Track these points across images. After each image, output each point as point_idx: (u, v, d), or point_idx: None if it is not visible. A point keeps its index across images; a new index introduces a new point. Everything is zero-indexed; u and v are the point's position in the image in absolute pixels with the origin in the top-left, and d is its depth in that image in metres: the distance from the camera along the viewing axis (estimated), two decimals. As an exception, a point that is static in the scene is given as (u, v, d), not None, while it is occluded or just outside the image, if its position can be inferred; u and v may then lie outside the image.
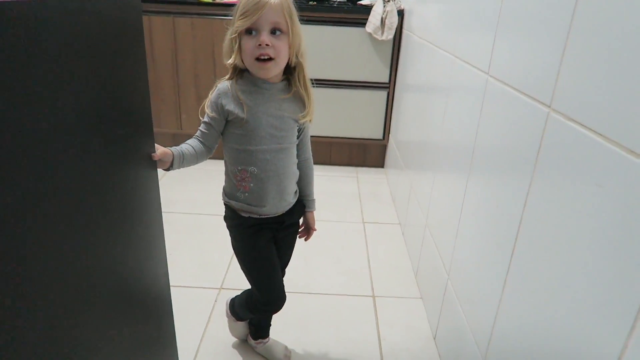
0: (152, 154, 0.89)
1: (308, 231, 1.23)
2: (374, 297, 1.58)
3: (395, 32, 2.31)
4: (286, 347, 1.33)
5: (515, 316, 0.86)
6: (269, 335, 1.31)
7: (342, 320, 1.46)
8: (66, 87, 0.57)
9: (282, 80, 1.03)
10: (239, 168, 1.04)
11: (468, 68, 1.22)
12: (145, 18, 2.39)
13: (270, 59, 0.95)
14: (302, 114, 1.05)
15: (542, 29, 0.82)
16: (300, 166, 1.14)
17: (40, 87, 0.52)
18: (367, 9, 2.35)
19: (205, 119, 1.03)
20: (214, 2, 2.42)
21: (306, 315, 1.48)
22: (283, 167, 1.05)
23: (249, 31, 0.94)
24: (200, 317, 1.44)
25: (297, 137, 1.09)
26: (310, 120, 1.10)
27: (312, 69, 2.25)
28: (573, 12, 0.71)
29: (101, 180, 0.68)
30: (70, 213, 0.59)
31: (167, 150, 0.95)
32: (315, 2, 2.52)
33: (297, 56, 1.00)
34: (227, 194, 1.12)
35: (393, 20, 2.28)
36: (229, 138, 1.04)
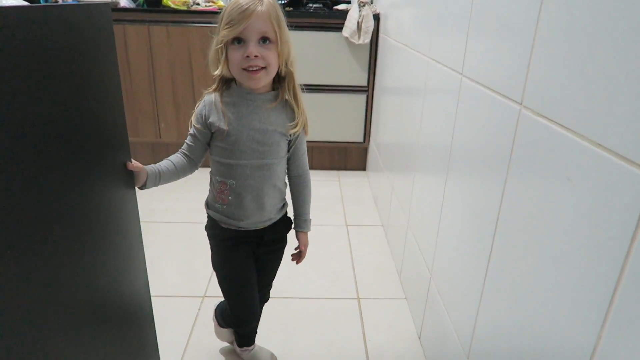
0: (127, 162, 0.88)
1: (299, 254, 1.15)
2: (358, 299, 1.58)
3: (372, 36, 2.33)
4: (272, 354, 1.32)
5: (495, 314, 0.87)
6: (254, 342, 1.30)
7: (327, 323, 1.46)
8: (34, 96, 0.56)
9: (270, 91, 1.00)
10: (219, 180, 1.02)
11: (442, 69, 1.24)
12: (119, 27, 2.37)
13: (261, 68, 0.92)
14: (292, 124, 1.00)
15: (510, 28, 0.83)
16: (292, 183, 1.10)
17: (5, 97, 0.51)
18: (343, 13, 2.37)
19: (191, 131, 1.01)
20: (189, 9, 2.41)
21: (291, 320, 1.47)
22: (262, 182, 1.01)
23: (236, 40, 0.90)
24: (183, 327, 1.42)
25: (288, 151, 1.04)
26: (306, 133, 1.06)
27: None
28: (539, 10, 0.73)
29: (76, 191, 0.67)
30: (45, 225, 0.58)
31: (142, 167, 0.92)
32: (291, 8, 2.53)
33: (286, 65, 0.97)
34: (209, 203, 1.10)
35: (369, 24, 2.30)
36: (212, 150, 1.02)
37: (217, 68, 0.95)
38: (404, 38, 1.78)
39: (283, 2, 2.63)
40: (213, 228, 1.09)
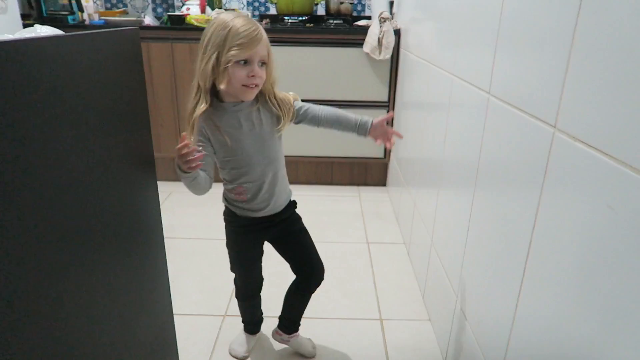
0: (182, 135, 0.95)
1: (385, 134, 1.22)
2: (381, 320, 1.55)
3: (393, 51, 2.32)
4: (313, 343, 1.42)
5: (529, 338, 0.84)
6: (298, 330, 1.39)
7: (350, 345, 1.43)
8: (67, 121, 0.57)
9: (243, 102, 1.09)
10: (235, 185, 1.14)
11: (468, 87, 1.22)
12: (144, 45, 2.41)
13: (256, 85, 1.05)
14: (278, 111, 1.12)
15: (543, 46, 0.81)
16: (326, 120, 1.21)
17: (43, 123, 0.51)
18: (364, 29, 2.37)
19: (200, 150, 1.05)
20: (212, 27, 2.44)
21: (312, 340, 1.44)
22: (273, 175, 1.15)
23: (242, 61, 1.01)
24: (205, 346, 1.41)
25: (297, 121, 1.19)
26: (297, 99, 1.18)
27: (311, 90, 2.28)
28: (574, 28, 0.71)
29: (103, 211, 0.67)
30: (76, 242, 0.58)
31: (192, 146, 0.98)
32: (312, 24, 2.55)
33: (271, 85, 1.11)
34: (227, 199, 1.22)
35: (390, 40, 2.29)
36: (221, 163, 1.14)
37: (208, 81, 1.03)
38: (426, 54, 1.76)
39: (304, 18, 2.65)
40: (230, 215, 1.23)
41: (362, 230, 2.17)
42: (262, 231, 1.23)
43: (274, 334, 1.40)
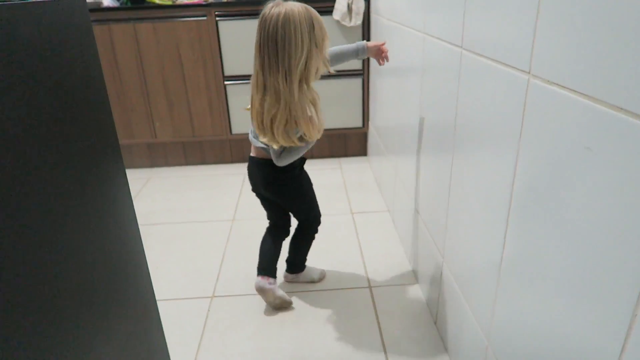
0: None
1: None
2: (370, 287, 1.55)
3: (364, 17, 2.27)
4: (321, 270, 1.60)
5: (514, 296, 0.84)
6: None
7: (341, 314, 1.43)
8: (7, 101, 0.52)
9: None
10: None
11: (440, 44, 1.19)
12: (104, 27, 2.31)
13: None
14: None
15: (513, -7, 0.78)
16: (333, 57, 1.39)
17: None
18: (333, -5, 2.31)
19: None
20: (175, 4, 2.34)
21: (303, 313, 1.44)
22: None
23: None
24: (194, 330, 1.40)
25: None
26: None
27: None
28: (544, -29, 0.68)
29: (62, 201, 0.63)
30: (30, 239, 0.54)
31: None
32: (279, -6, 2.46)
33: None
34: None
35: (360, 5, 2.23)
36: None
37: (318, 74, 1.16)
38: (397, 16, 1.72)
39: (270, -11, 2.56)
40: (297, 166, 1.34)
41: (346, 201, 2.15)
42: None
43: (286, 278, 1.59)
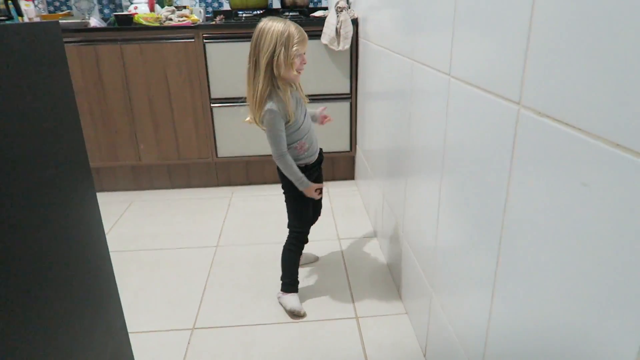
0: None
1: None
2: (357, 318, 1.50)
3: (352, 41, 2.27)
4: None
5: (507, 325, 0.80)
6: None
7: (327, 346, 1.37)
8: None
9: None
10: (297, 142, 1.46)
11: (428, 71, 1.17)
12: (90, 48, 2.28)
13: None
14: (302, 95, 1.50)
15: (501, 23, 0.77)
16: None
17: None
18: (321, 20, 2.31)
19: (280, 133, 1.40)
20: (162, 25, 2.33)
21: (288, 346, 1.38)
22: (312, 129, 1.53)
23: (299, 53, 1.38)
24: (172, 363, 1.33)
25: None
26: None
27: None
28: (533, 2, 0.66)
29: (27, 227, 0.59)
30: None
31: (310, 186, 1.48)
32: (267, 18, 2.47)
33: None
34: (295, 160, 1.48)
35: (348, 30, 2.24)
36: (288, 129, 1.44)
37: (282, 69, 1.35)
38: (385, 41, 1.72)
39: (259, 12, 2.57)
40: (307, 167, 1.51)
41: (333, 226, 2.11)
42: (313, 174, 1.52)
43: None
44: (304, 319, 1.50)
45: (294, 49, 1.35)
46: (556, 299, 0.64)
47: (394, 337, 1.40)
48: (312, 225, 1.64)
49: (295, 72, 1.39)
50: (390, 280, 1.68)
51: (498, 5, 0.78)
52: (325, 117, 1.66)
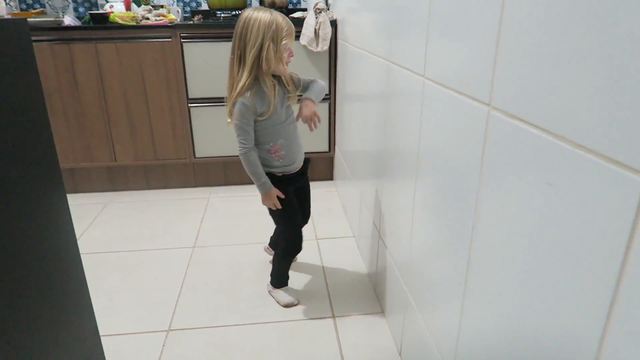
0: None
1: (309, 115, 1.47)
2: (334, 317, 1.50)
3: (330, 43, 2.28)
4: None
5: (478, 325, 0.81)
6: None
7: (303, 347, 1.37)
8: None
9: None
10: (271, 145, 1.39)
11: (404, 72, 1.19)
12: (64, 47, 2.24)
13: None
14: (290, 94, 1.41)
15: (472, 26, 0.79)
16: (305, 87, 1.49)
17: None
18: (300, 21, 2.32)
19: (245, 127, 1.33)
20: (138, 24, 2.30)
21: (264, 346, 1.38)
22: (295, 134, 1.43)
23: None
24: (147, 366, 1.31)
25: (300, 95, 1.45)
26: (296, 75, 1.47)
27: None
28: (502, 6, 0.68)
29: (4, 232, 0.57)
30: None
31: (271, 191, 1.39)
32: (246, 18, 2.46)
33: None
34: (265, 165, 1.42)
35: (327, 31, 2.25)
36: (261, 128, 1.37)
37: (271, 64, 1.30)
38: (363, 43, 1.73)
39: (238, 12, 2.56)
40: (273, 182, 1.42)
41: (311, 226, 2.12)
42: (291, 185, 1.45)
43: (266, 249, 1.78)
44: (281, 319, 1.49)
45: (283, 42, 1.28)
46: (523, 298, 0.65)
47: (370, 337, 1.41)
48: (302, 228, 1.57)
49: (284, 66, 1.33)
50: (367, 281, 1.69)
51: (470, 9, 0.79)
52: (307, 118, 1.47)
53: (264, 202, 1.41)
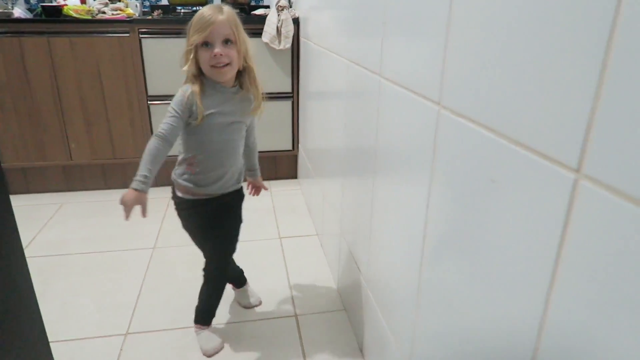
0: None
1: (259, 188, 1.49)
2: (296, 316, 1.50)
3: (293, 40, 2.28)
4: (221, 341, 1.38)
5: (432, 319, 0.83)
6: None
7: (265, 346, 1.37)
8: None
9: (235, 85, 1.20)
10: (191, 154, 1.21)
11: (362, 71, 1.20)
12: (14, 40, 2.14)
13: (226, 64, 1.12)
14: (252, 108, 1.23)
15: (422, 26, 0.80)
16: (247, 149, 1.37)
17: None
18: (262, 18, 2.30)
19: (174, 115, 1.12)
20: (94, 18, 2.22)
21: (226, 347, 1.36)
22: (227, 154, 1.22)
23: (204, 44, 1.11)
24: (103, 371, 1.27)
25: (247, 129, 1.29)
26: (261, 112, 1.27)
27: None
28: (450, 8, 0.70)
29: None
30: None
31: (145, 201, 1.10)
32: (207, 14, 2.42)
33: (245, 60, 1.18)
34: (184, 181, 1.24)
35: (289, 29, 2.24)
36: (187, 133, 1.18)
37: (185, 66, 1.15)
38: (324, 41, 1.74)
39: (199, 8, 2.51)
40: (185, 201, 1.25)
41: (274, 225, 2.11)
42: (208, 211, 1.26)
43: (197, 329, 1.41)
44: (243, 319, 1.48)
45: (193, 38, 1.10)
46: (471, 293, 0.67)
47: (333, 334, 1.42)
48: (232, 255, 1.37)
49: (209, 67, 1.12)
50: (330, 279, 1.70)
51: (422, 12, 0.81)
52: (254, 188, 1.47)
53: (124, 199, 1.07)
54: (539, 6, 0.50)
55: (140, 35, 2.21)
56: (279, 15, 2.23)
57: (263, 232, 2.03)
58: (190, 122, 1.15)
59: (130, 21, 2.21)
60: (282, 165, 2.64)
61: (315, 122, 2.01)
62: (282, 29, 2.23)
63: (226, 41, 1.12)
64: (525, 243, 0.54)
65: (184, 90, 1.14)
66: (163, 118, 1.13)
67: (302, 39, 2.28)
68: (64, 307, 1.54)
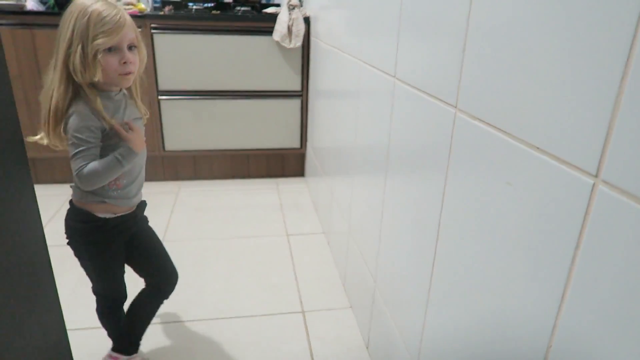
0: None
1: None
2: (303, 312, 1.52)
3: (303, 39, 2.29)
4: None
5: (442, 319, 0.85)
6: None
7: (271, 341, 1.39)
8: None
9: (120, 90, 1.05)
10: None
11: (375, 72, 1.21)
12: (26, 32, 2.17)
13: (131, 72, 0.99)
14: (143, 113, 1.15)
15: (441, 29, 0.82)
16: None
17: None
18: (273, 17, 2.31)
19: (90, 143, 0.97)
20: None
21: (233, 341, 1.38)
22: (142, 161, 1.15)
23: (108, 48, 0.94)
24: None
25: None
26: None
27: (221, 81, 2.14)
28: (469, 11, 0.71)
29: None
30: None
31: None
32: (218, 11, 2.44)
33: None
34: (97, 194, 1.09)
35: (300, 28, 2.25)
36: (105, 147, 1.01)
37: (84, 74, 0.94)
38: (335, 41, 1.75)
39: (210, 5, 2.53)
40: (91, 222, 1.11)
41: (281, 222, 2.13)
42: (121, 232, 1.14)
43: (107, 358, 1.28)
44: (250, 314, 1.50)
45: (98, 41, 0.90)
46: (483, 294, 0.69)
47: (339, 331, 1.44)
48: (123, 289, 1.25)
49: (116, 75, 0.96)
50: (336, 276, 1.72)
51: (439, 14, 0.82)
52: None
53: (136, 144, 1.02)
54: (559, 12, 0.51)
55: (152, 31, 2.23)
56: (290, 14, 2.24)
57: (270, 229, 2.05)
58: (109, 143, 1.01)
59: (142, 16, 2.23)
60: (289, 163, 2.66)
61: (325, 121, 2.02)
62: (293, 28, 2.25)
63: (131, 47, 0.98)
64: (541, 245, 0.55)
65: (77, 110, 0.96)
66: (73, 155, 0.98)
67: (312, 38, 2.29)
68: (73, 297, 1.56)
